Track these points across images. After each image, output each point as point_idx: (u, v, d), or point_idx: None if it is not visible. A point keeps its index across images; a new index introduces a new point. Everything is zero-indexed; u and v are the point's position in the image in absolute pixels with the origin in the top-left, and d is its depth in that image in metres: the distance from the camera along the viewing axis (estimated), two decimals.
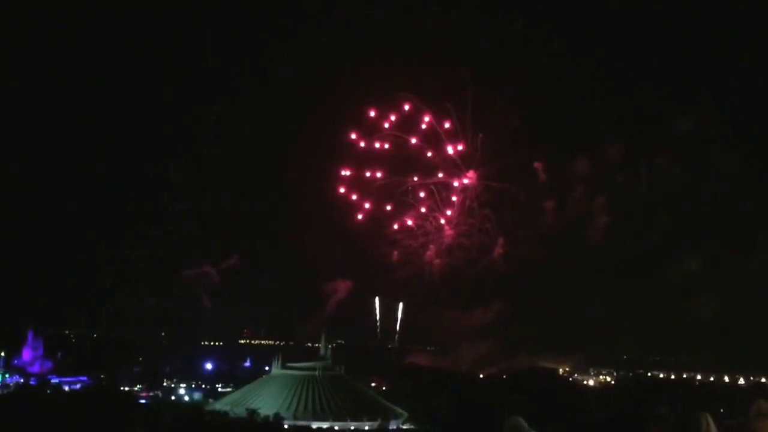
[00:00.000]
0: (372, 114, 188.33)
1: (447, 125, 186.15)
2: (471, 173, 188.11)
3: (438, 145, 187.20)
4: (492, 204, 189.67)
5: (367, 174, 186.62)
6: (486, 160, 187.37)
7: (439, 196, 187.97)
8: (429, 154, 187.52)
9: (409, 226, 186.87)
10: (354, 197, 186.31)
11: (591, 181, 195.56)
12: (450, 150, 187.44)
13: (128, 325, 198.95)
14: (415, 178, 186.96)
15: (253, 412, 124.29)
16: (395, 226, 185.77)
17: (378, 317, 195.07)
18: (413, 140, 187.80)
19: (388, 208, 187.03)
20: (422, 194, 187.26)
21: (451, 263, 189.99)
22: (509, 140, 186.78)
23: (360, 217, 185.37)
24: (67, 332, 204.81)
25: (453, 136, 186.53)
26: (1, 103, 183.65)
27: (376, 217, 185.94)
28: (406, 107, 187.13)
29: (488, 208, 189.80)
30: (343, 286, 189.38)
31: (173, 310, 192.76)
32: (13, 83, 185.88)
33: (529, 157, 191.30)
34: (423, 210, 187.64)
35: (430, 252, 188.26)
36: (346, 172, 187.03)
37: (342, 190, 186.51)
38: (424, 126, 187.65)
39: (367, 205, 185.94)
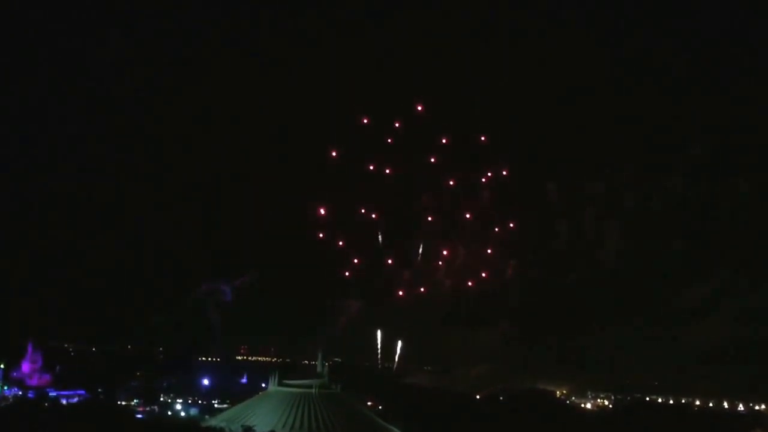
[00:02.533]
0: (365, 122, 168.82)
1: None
2: (485, 193, 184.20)
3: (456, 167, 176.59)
4: (505, 224, 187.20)
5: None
6: (501, 180, 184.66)
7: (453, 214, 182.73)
8: (451, 182, 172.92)
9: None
10: (340, 243, 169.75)
11: (603, 203, 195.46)
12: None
13: (129, 340, 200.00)
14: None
15: (248, 429, 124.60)
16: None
17: (379, 349, 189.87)
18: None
19: (389, 262, 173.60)
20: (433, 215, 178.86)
21: (461, 283, 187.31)
22: (523, 160, 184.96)
23: (347, 274, 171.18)
24: (66, 346, 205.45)
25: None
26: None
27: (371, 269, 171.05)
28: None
29: (501, 229, 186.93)
30: (354, 305, 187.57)
31: (180, 325, 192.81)
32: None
33: (542, 178, 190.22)
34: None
35: (440, 272, 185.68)
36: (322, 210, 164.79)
37: (321, 234, 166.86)
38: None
39: (356, 260, 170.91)
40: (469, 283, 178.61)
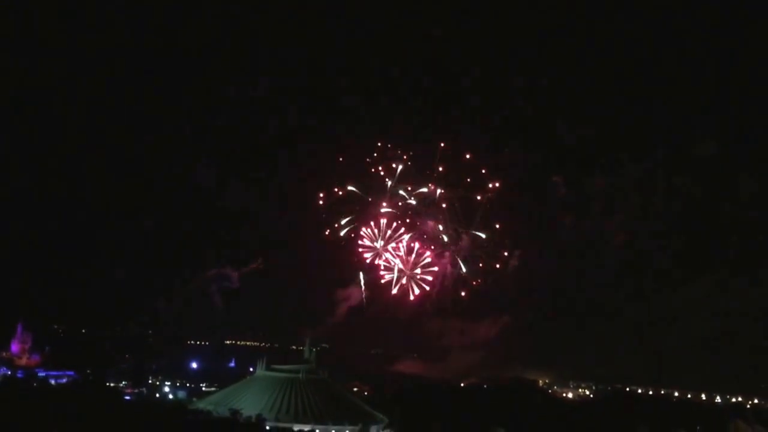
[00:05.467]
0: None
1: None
2: (493, 184, 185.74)
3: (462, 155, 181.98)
4: (512, 217, 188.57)
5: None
6: (508, 172, 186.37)
7: (459, 206, 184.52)
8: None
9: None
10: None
11: (609, 198, 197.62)
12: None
13: (123, 322, 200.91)
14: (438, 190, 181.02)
15: (235, 412, 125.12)
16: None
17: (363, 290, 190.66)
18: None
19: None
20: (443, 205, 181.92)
21: (465, 274, 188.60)
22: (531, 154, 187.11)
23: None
24: (56, 327, 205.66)
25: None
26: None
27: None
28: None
29: (508, 221, 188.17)
30: (357, 293, 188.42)
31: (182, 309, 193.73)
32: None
33: (550, 172, 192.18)
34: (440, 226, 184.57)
35: (445, 260, 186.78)
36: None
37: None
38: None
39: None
40: (465, 239, 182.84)
